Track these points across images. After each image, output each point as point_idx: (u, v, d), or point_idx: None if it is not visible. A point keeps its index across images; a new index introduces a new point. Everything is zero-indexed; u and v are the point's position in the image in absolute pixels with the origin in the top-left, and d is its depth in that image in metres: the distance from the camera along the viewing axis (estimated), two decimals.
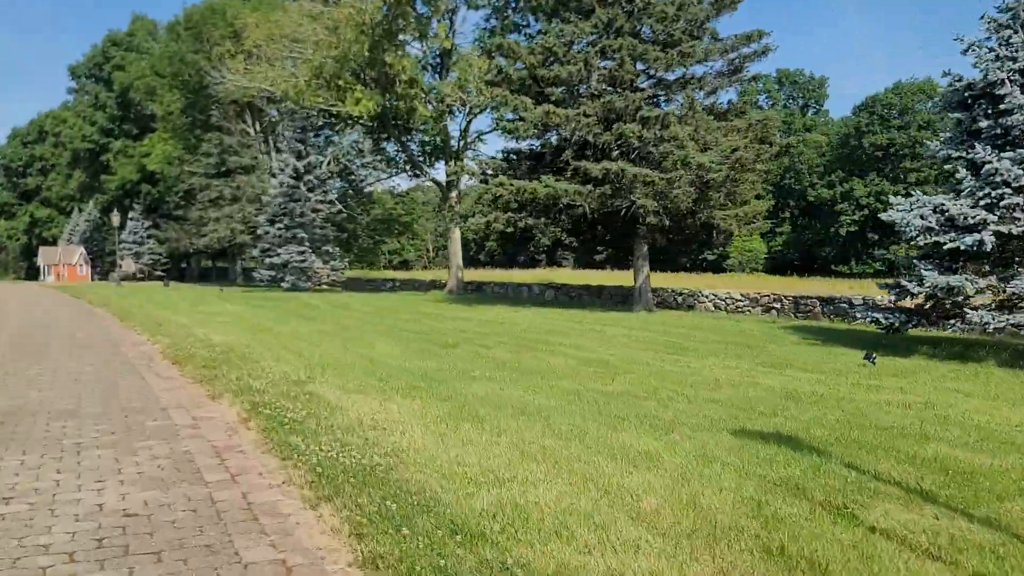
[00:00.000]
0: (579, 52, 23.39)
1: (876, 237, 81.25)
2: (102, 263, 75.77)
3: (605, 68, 23.86)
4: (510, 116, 33.25)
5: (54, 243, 79.52)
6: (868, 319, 15.83)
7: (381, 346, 13.22)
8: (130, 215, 67.70)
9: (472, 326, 18.34)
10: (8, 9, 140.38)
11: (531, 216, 24.36)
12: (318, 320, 19.36)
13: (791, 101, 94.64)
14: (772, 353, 13.43)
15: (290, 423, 6.42)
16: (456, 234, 36.50)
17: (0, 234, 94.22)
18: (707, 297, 26.31)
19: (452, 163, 35.87)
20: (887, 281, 15.61)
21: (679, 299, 27.36)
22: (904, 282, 14.17)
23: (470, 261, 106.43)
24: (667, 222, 23.38)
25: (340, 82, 30.28)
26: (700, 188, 22.72)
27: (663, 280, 41.87)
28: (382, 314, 22.18)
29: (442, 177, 36.93)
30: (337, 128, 49.82)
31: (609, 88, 24.59)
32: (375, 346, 13.17)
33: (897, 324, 14.66)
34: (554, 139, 25.48)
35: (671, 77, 24.28)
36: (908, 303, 14.98)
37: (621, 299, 29.76)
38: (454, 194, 36.09)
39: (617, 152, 23.63)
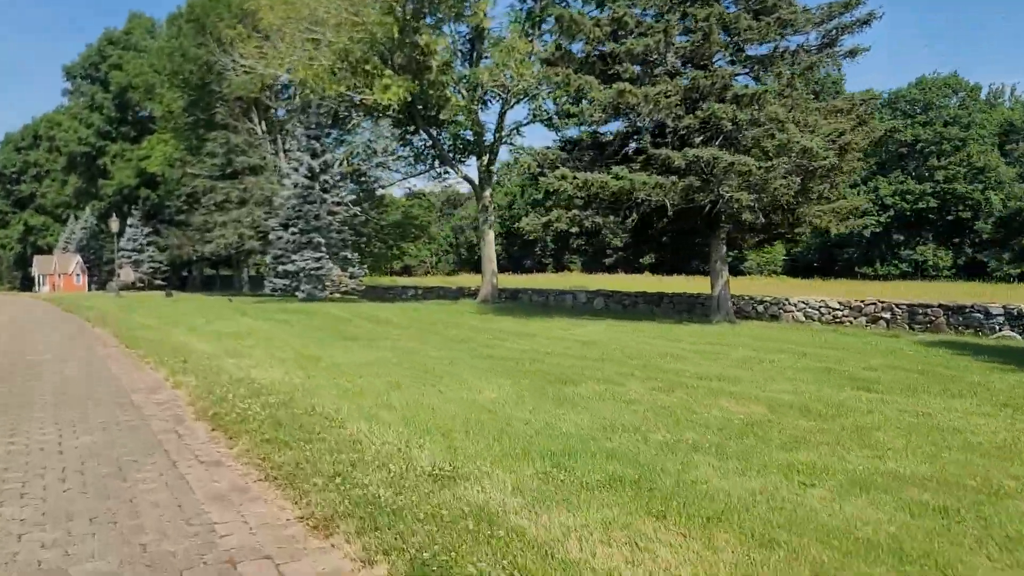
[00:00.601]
0: (657, 22, 20.05)
1: (902, 238, 77.99)
2: (99, 272, 72.31)
3: (684, 43, 20.54)
4: (559, 99, 30.02)
5: (49, 252, 76.07)
6: None
7: (480, 384, 9.85)
8: (129, 221, 64.26)
9: (552, 347, 14.98)
10: (3, 9, 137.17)
11: (598, 213, 21.01)
12: (364, 340, 15.97)
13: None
14: (983, 385, 10.07)
15: None
16: (490, 236, 33.15)
17: None
18: (795, 305, 22.97)
19: (485, 158, 32.53)
20: None
21: (759, 308, 24.02)
22: None
23: (463, 264, 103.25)
24: (762, 219, 20.04)
25: (368, 67, 26.93)
26: (804, 178, 19.38)
27: (689, 285, 38.43)
28: (433, 331, 18.80)
29: (474, 174, 33.53)
30: (351, 124, 46.54)
31: (683, 67, 21.30)
32: (473, 385, 9.79)
33: None
34: (619, 125, 22.16)
35: (760, 52, 20.98)
36: None
37: (685, 308, 26.42)
38: (488, 192, 32.73)
39: (700, 138, 20.31)
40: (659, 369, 11.64)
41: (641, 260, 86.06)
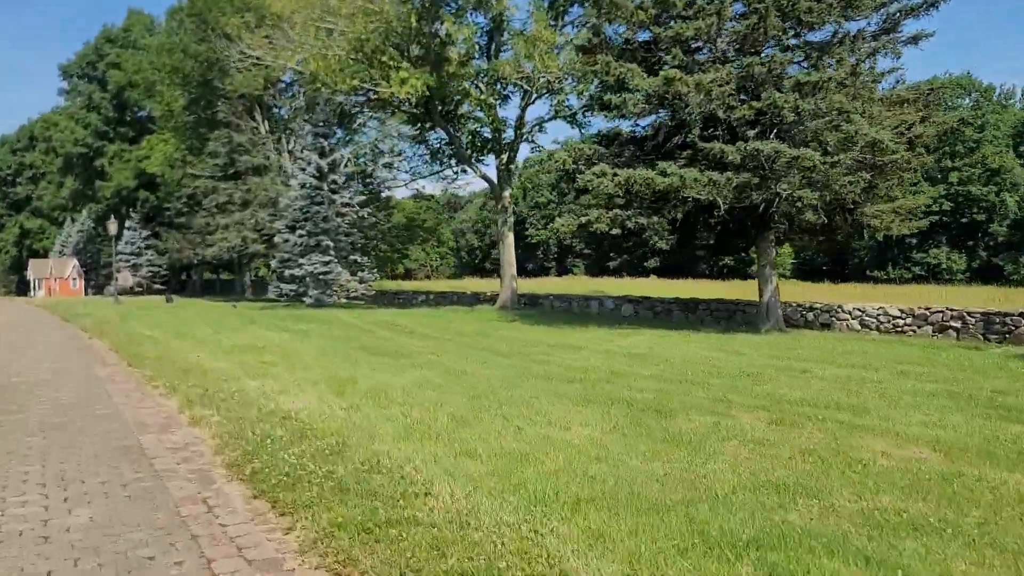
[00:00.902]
0: (710, 3, 18.32)
1: (914, 241, 76.19)
2: (96, 276, 70.44)
3: (736, 28, 18.84)
4: (583, 93, 28.34)
5: (45, 255, 74.16)
6: None
7: (560, 415, 8.12)
8: (127, 224, 62.38)
9: (609, 363, 13.28)
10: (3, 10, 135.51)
11: (641, 213, 19.27)
12: (394, 355, 14.23)
13: None
14: None
15: None
16: (510, 239, 31.42)
17: None
18: (849, 313, 21.25)
19: (505, 156, 30.82)
20: None
21: (808, 316, 22.30)
22: None
23: (464, 268, 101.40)
24: (824, 219, 18.35)
25: (384, 58, 25.17)
26: (874, 174, 17.68)
27: (697, 289, 36.73)
28: (466, 342, 17.08)
29: (491, 172, 31.81)
30: (358, 124, 44.80)
31: (736, 54, 19.63)
32: (553, 417, 8.07)
33: None
34: (656, 118, 20.42)
35: (817, 38, 19.28)
36: None
37: (724, 315, 24.70)
38: (507, 193, 31.01)
39: (753, 131, 18.61)
40: (752, 394, 9.92)
41: (645, 264, 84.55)
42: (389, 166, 44.87)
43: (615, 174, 18.76)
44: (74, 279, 67.19)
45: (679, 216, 19.45)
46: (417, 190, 53.45)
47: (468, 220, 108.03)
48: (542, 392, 9.86)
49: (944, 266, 72.90)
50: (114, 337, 17.15)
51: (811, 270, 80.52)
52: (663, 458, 6.36)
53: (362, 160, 43.75)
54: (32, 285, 69.53)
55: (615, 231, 19.41)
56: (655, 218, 19.44)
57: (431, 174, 36.25)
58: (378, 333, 19.78)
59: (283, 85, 49.76)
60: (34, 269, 69.99)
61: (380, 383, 10.48)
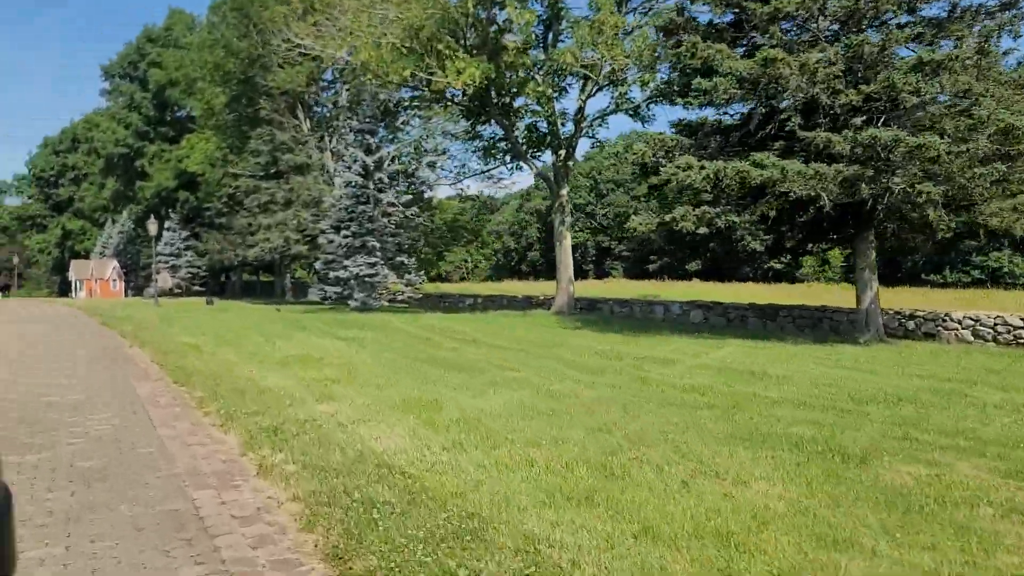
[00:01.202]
0: None
1: (974, 243, 72.66)
2: (136, 277, 69.98)
3: (842, 3, 16.83)
4: (648, 83, 26.48)
5: (87, 257, 73.96)
6: None
7: (730, 466, 6.30)
8: (166, 225, 61.63)
9: (722, 383, 11.41)
10: (46, 10, 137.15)
11: (732, 210, 17.34)
12: (471, 371, 12.49)
13: None
14: None
15: None
16: (567, 240, 29.60)
17: (31, 248, 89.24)
18: (958, 321, 19.11)
19: (563, 152, 29.01)
20: None
21: (908, 324, 20.19)
22: None
23: (500, 270, 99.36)
24: (946, 217, 16.28)
25: (440, 46, 23.50)
26: (1008, 165, 15.56)
27: (742, 293, 34.78)
28: (541, 353, 15.29)
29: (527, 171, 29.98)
30: (401, 121, 43.27)
31: (830, 32, 17.65)
32: (721, 468, 6.24)
33: None
34: (751, 104, 18.44)
35: (932, 13, 17.22)
36: None
37: (809, 323, 22.62)
38: (565, 191, 29.18)
39: (859, 119, 16.60)
40: (937, 428, 7.98)
41: (687, 267, 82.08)
42: (432, 165, 43.39)
43: (702, 167, 16.86)
44: (114, 280, 66.76)
45: (771, 213, 17.47)
46: (460, 190, 51.95)
47: (504, 222, 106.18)
48: (671, 423, 8.04)
49: (1006, 270, 69.58)
50: (155, 346, 15.63)
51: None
52: (915, 544, 4.51)
53: (406, 158, 42.24)
54: (74, 286, 69.29)
55: (702, 230, 17.49)
56: (745, 215, 17.50)
57: (483, 171, 34.57)
58: (438, 341, 18.08)
59: (325, 83, 48.56)
60: (76, 270, 69.79)
61: (470, 409, 8.73)
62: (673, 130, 19.03)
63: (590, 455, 6.51)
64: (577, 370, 12.73)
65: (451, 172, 43.81)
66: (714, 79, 16.80)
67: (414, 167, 42.40)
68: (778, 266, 72.82)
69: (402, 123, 44.86)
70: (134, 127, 65.22)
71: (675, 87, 20.50)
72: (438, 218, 47.32)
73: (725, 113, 18.90)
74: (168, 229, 61.87)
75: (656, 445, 7.00)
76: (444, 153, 43.00)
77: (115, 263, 67.02)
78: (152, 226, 41.94)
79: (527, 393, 10.06)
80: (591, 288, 50.62)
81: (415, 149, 42.60)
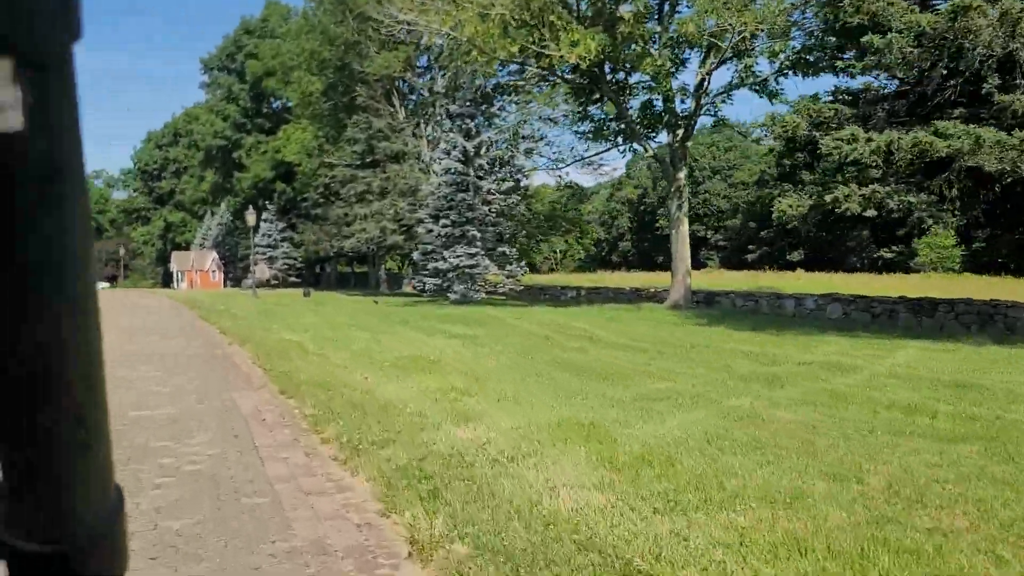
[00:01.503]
0: None
1: None
2: (235, 268, 71.00)
3: None
4: (780, 52, 23.88)
5: (187, 248, 75.64)
6: None
7: None
8: (263, 216, 62.02)
9: (930, 398, 9.14)
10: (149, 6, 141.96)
11: (908, 189, 14.79)
12: (605, 379, 10.54)
13: None
14: None
15: None
16: (684, 228, 27.25)
17: (136, 240, 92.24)
18: None
19: (680, 131, 26.66)
20: None
21: None
22: None
23: (591, 260, 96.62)
24: None
25: (552, 17, 21.60)
26: None
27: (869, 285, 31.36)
28: (677, 355, 13.22)
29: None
30: (498, 106, 41.61)
31: None
32: None
33: None
34: (924, 65, 15.77)
35: None
36: None
37: (976, 320, 19.67)
38: (682, 174, 26.83)
39: None
40: None
41: (788, 257, 77.68)
42: (530, 152, 41.62)
43: (869, 138, 14.40)
44: (214, 271, 67.86)
45: (954, 193, 14.84)
46: (559, 176, 49.96)
47: (594, 211, 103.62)
48: (929, 465, 5.89)
49: None
50: (257, 344, 14.31)
51: (986, 265, 71.69)
52: None
53: (503, 145, 40.59)
54: (175, 277, 70.90)
55: (869, 212, 15.01)
56: (923, 195, 14.92)
57: (587, 157, 32.46)
58: (558, 340, 16.20)
59: (420, 68, 47.41)
60: (177, 261, 71.38)
61: (647, 437, 6.78)
62: (831, 98, 16.52)
63: (860, 524, 4.47)
64: (741, 380, 10.61)
65: (549, 159, 41.93)
66: (889, 35, 14.27)
67: (510, 154, 40.76)
68: (888, 255, 67.85)
69: (498, 109, 43.28)
70: (232, 119, 65.95)
71: (826, 51, 17.95)
72: (535, 206, 45.56)
73: (893, 78, 16.27)
74: (265, 220, 62.26)
75: (948, 507, 4.89)
76: (542, 139, 41.19)
77: (214, 254, 68.11)
78: (250, 217, 41.65)
79: (705, 413, 8.04)
80: (695, 280, 47.90)
81: (512, 135, 40.92)
